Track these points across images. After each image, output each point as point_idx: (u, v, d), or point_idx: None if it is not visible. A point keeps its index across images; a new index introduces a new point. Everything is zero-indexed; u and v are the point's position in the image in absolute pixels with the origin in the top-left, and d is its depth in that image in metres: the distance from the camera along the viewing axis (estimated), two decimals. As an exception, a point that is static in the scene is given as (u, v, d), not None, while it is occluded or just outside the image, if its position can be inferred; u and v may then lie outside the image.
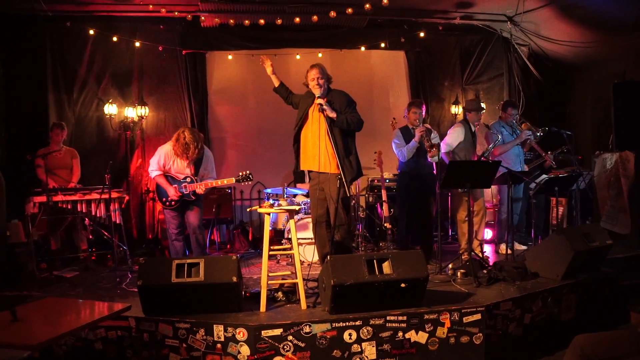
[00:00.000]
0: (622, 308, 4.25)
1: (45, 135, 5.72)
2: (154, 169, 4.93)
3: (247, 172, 4.89)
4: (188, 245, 5.29)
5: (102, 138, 6.68)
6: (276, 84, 4.58)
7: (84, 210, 5.15)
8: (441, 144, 5.32)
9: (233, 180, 4.86)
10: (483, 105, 5.86)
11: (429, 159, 5.19)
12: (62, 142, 5.75)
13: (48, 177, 5.16)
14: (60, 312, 2.84)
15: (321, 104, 4.12)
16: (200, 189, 4.86)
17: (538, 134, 5.70)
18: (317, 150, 4.23)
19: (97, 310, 2.93)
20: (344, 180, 3.91)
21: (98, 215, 5.19)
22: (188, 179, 4.91)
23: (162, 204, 4.96)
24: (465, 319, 3.58)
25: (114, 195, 5.17)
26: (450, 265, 4.67)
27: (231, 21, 6.60)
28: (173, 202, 4.89)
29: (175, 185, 4.86)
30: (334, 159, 4.06)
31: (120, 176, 6.47)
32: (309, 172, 4.41)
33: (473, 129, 5.50)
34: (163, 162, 4.90)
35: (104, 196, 5.08)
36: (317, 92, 4.23)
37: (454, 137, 5.46)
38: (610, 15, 5.90)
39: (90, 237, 5.77)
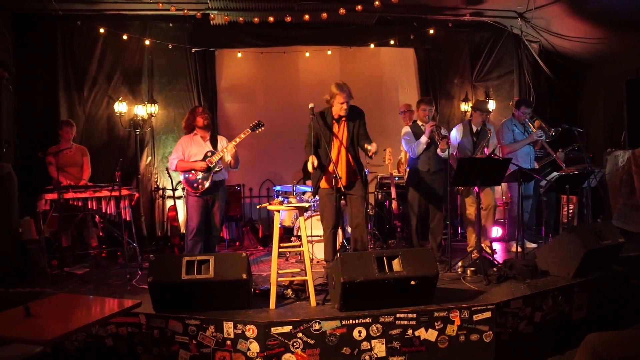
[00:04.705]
0: (635, 307, 4.21)
1: (56, 133, 5.77)
2: (173, 158, 4.98)
3: (256, 121, 4.97)
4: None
5: (112, 136, 6.72)
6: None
7: (94, 208, 5.18)
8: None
9: (249, 131, 4.90)
10: (490, 107, 5.80)
11: (440, 153, 5.16)
12: (73, 140, 5.79)
13: (59, 175, 5.21)
14: (72, 308, 2.87)
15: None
16: (224, 155, 4.91)
17: (551, 133, 5.63)
18: (343, 164, 4.45)
19: (108, 307, 2.95)
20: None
21: (108, 212, 5.22)
22: (209, 153, 4.96)
23: (194, 190, 4.87)
24: (475, 317, 3.56)
25: (124, 192, 5.20)
26: (459, 263, 4.66)
27: (240, 19, 6.61)
28: (205, 183, 4.86)
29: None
30: (354, 168, 4.47)
31: (130, 174, 6.50)
32: (330, 188, 4.39)
33: (475, 129, 5.45)
34: (182, 149, 4.98)
35: (114, 193, 5.11)
36: (343, 113, 4.39)
37: (452, 136, 5.52)
38: (622, 11, 5.83)
39: (101, 234, 5.80)
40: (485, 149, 5.36)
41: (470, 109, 7.52)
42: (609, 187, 6.21)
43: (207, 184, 4.89)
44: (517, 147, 5.60)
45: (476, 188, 4.84)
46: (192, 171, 4.91)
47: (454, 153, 5.43)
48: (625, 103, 5.93)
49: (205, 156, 4.93)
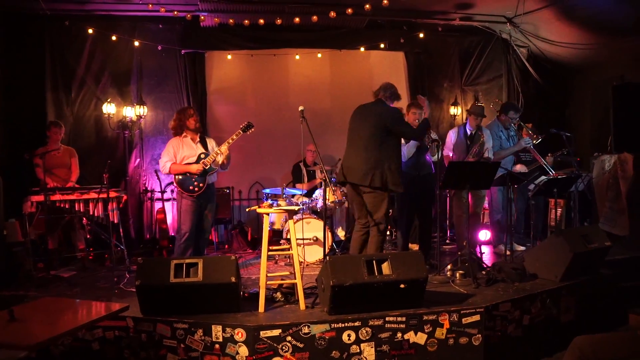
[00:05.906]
0: (621, 310, 4.25)
1: (44, 134, 5.70)
2: (166, 160, 4.87)
3: (247, 122, 4.91)
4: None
5: (100, 137, 6.65)
6: None
7: (81, 210, 5.13)
8: (444, 150, 5.46)
9: (240, 132, 4.84)
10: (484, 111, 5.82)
11: (429, 157, 5.18)
12: (60, 141, 5.73)
13: (46, 176, 5.15)
14: (58, 312, 2.83)
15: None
16: (218, 157, 4.85)
17: (535, 141, 5.66)
18: None
19: (95, 311, 2.92)
20: None
21: (96, 214, 5.17)
22: (202, 155, 4.89)
23: (190, 192, 4.80)
24: (464, 320, 3.57)
25: (112, 194, 5.15)
26: (448, 266, 4.67)
27: (231, 21, 6.59)
28: (201, 185, 4.80)
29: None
30: None
31: (118, 176, 6.43)
32: None
33: (469, 132, 5.49)
34: (173, 151, 4.89)
35: (102, 196, 5.06)
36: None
37: (448, 139, 5.55)
38: (610, 17, 5.91)
39: (88, 236, 5.74)
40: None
41: (459, 113, 7.58)
42: (595, 191, 6.28)
43: (203, 186, 4.84)
44: (504, 154, 5.62)
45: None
46: (187, 174, 4.84)
47: (451, 155, 5.46)
48: (612, 108, 6.00)
49: (199, 158, 4.88)
